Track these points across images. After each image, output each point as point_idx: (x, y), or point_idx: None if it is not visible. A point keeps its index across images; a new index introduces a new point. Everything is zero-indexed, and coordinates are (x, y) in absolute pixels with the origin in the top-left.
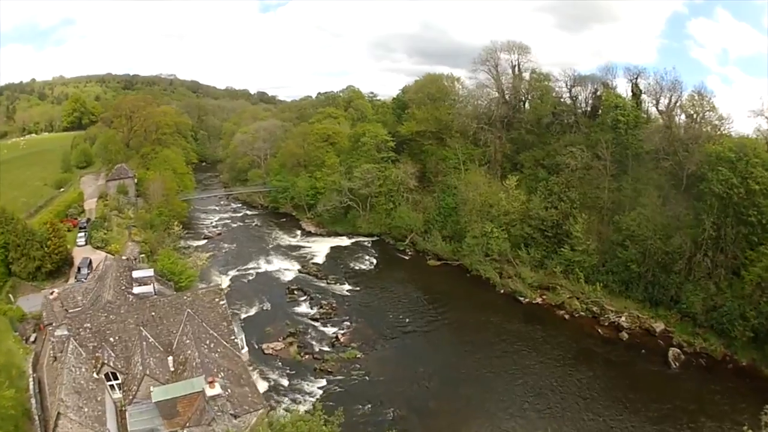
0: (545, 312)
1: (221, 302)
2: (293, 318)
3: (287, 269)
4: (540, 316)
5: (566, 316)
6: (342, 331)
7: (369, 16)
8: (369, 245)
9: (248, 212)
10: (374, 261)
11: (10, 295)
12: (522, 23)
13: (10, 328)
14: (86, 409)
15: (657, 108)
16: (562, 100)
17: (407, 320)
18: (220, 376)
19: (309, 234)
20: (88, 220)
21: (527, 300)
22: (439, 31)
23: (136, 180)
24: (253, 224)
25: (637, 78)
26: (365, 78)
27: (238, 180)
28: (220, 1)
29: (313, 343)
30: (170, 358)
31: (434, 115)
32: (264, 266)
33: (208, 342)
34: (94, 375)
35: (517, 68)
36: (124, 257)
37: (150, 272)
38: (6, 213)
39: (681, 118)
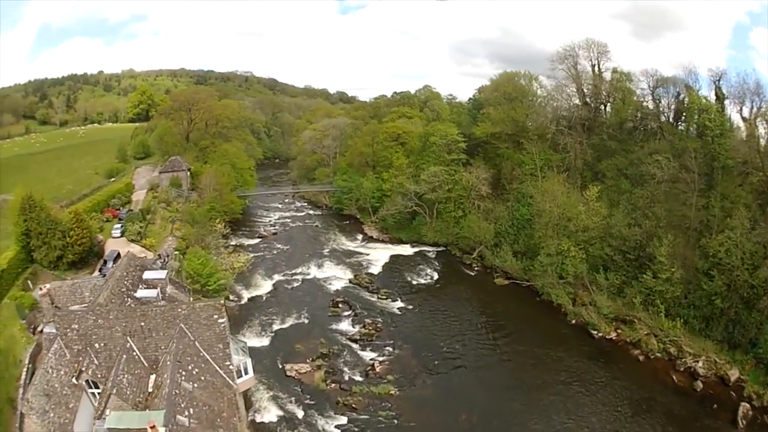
0: (618, 350)
1: (220, 320)
2: (330, 336)
3: (338, 278)
4: (611, 355)
5: (640, 357)
6: (381, 359)
7: (449, 19)
8: (433, 256)
9: (311, 212)
10: (435, 275)
11: (29, 282)
12: (599, 30)
13: (16, 315)
14: (52, 414)
15: (741, 114)
16: (644, 104)
17: (459, 350)
18: (186, 413)
19: (370, 239)
20: (130, 211)
21: (600, 334)
22: (518, 36)
23: (190, 173)
24: (314, 225)
25: (719, 80)
26: (446, 82)
27: (305, 178)
28: (299, 2)
29: (345, 369)
30: (153, 377)
31: (511, 116)
32: (314, 272)
33: (190, 367)
34: (73, 380)
35: (597, 67)
36: (141, 254)
37: (162, 274)
38: (31, 200)
39: (764, 128)
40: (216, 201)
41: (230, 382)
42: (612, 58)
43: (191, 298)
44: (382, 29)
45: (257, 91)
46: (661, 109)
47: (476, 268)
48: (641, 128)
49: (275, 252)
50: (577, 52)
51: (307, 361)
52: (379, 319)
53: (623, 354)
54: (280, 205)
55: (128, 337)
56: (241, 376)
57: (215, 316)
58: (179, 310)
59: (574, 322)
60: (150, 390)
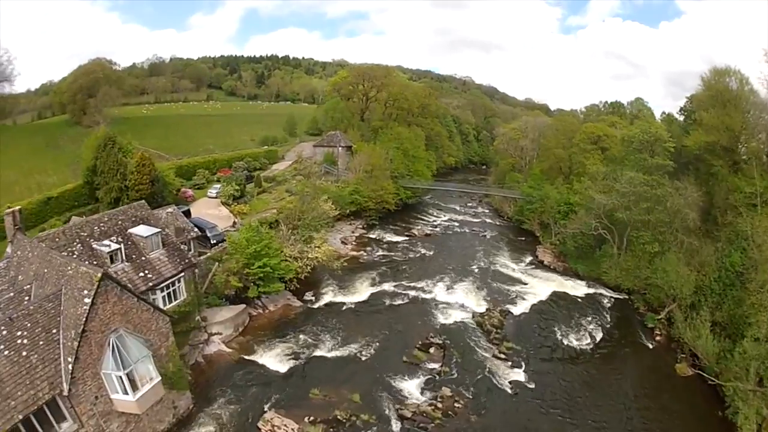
0: None
1: (86, 299)
2: (374, 394)
3: (463, 308)
4: None
5: None
6: None
7: (661, 48)
8: (608, 305)
9: (488, 220)
10: (598, 336)
11: (84, 216)
12: None
13: None
14: None
15: None
16: None
17: None
18: None
19: (539, 265)
20: (250, 176)
21: None
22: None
23: (351, 151)
24: (480, 235)
25: None
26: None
27: (499, 183)
28: (522, 17)
29: None
30: None
31: (725, 123)
32: (437, 293)
33: (20, 333)
34: None
35: None
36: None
37: (148, 231)
38: (110, 140)
39: None
40: (363, 184)
41: (63, 384)
42: None
43: (181, 270)
44: (602, 52)
45: (473, 95)
46: None
47: (658, 337)
48: None
49: (410, 256)
50: None
51: (303, 420)
52: (469, 393)
53: None
54: (458, 208)
55: (34, 279)
56: (117, 392)
57: (84, 292)
58: (67, 268)
59: None
60: None
